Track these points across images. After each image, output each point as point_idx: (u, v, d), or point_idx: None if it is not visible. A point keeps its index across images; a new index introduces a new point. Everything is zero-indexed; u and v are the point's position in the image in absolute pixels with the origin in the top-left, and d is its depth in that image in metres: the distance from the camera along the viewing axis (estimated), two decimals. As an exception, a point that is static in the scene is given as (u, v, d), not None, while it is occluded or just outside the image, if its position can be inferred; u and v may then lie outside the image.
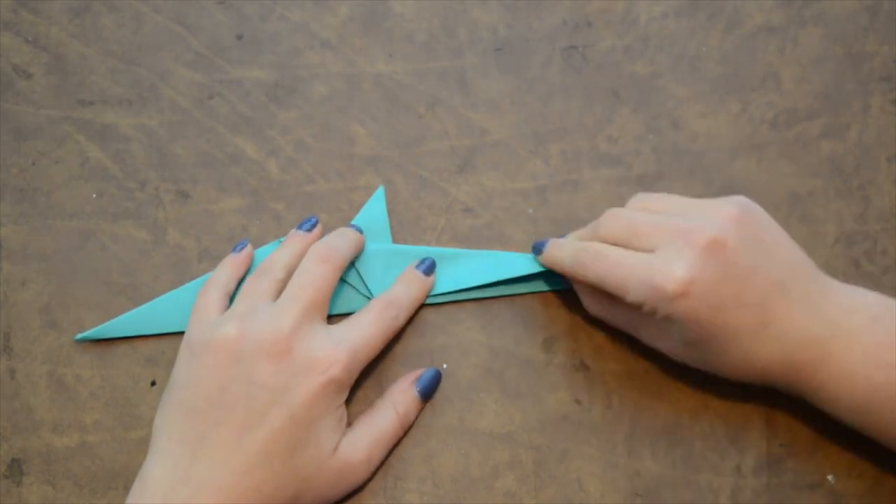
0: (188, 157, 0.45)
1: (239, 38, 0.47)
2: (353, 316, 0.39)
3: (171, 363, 0.41)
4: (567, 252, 0.39)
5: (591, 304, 0.40)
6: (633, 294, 0.36)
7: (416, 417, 0.40)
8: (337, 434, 0.37)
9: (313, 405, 0.36)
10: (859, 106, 0.47)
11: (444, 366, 0.41)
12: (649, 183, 0.45)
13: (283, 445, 0.35)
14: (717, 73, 0.47)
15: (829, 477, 0.39)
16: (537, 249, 0.41)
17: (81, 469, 0.39)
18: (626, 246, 0.38)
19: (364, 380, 0.41)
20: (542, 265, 0.41)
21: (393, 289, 0.41)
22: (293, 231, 0.42)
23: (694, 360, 0.38)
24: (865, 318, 0.36)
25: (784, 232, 0.38)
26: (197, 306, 0.39)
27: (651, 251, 0.36)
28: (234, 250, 0.42)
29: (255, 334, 0.36)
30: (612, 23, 0.48)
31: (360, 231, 0.42)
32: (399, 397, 0.39)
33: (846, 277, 0.43)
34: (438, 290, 0.42)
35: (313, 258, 0.39)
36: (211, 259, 0.43)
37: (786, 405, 0.41)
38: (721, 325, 0.36)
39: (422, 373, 0.40)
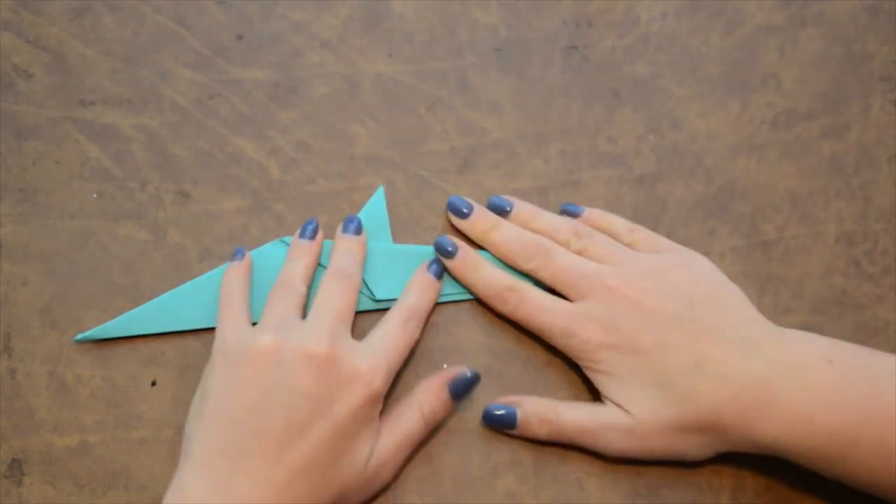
0: (188, 158, 0.45)
1: (239, 38, 0.47)
2: (378, 328, 0.39)
3: (171, 363, 0.41)
4: (490, 285, 0.41)
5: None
6: (556, 340, 0.40)
7: (445, 418, 0.40)
8: (371, 444, 0.37)
9: (356, 418, 0.36)
10: (859, 106, 0.47)
11: (445, 366, 0.41)
12: (649, 183, 0.45)
13: (324, 459, 0.35)
14: (717, 73, 0.47)
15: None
16: (448, 252, 0.42)
17: (82, 469, 0.39)
18: (552, 288, 0.40)
19: (364, 380, 0.41)
20: (450, 273, 0.42)
21: (410, 297, 0.40)
22: (297, 240, 0.42)
23: (643, 412, 0.38)
24: (818, 359, 0.36)
25: (728, 284, 0.39)
26: (224, 318, 0.39)
27: (573, 300, 0.39)
28: (234, 258, 0.42)
29: (295, 343, 0.36)
30: (612, 23, 0.48)
31: (362, 227, 0.42)
32: (425, 398, 0.39)
33: (846, 277, 0.43)
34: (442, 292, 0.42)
35: (335, 279, 0.39)
36: (211, 259, 0.43)
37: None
38: (649, 368, 0.37)
39: (457, 374, 0.39)
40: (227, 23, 0.48)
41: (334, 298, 0.38)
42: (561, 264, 0.40)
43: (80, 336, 0.41)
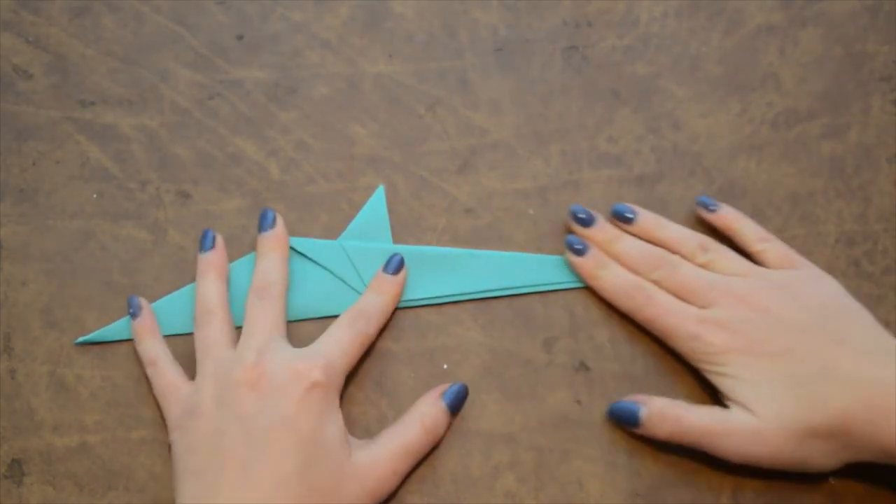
0: (188, 158, 0.45)
1: (239, 38, 0.47)
2: (324, 333, 0.39)
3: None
4: (617, 283, 0.41)
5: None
6: (677, 346, 0.40)
7: (446, 430, 0.40)
8: (343, 443, 0.37)
9: (305, 412, 0.36)
10: (859, 106, 0.47)
11: (445, 366, 0.41)
12: (649, 183, 0.45)
13: (292, 465, 0.35)
14: (717, 73, 0.47)
15: (829, 477, 0.39)
16: (577, 250, 0.42)
17: (82, 469, 0.39)
18: (677, 296, 0.40)
19: (364, 381, 0.41)
20: (575, 272, 0.42)
21: (362, 298, 0.41)
22: (200, 256, 0.42)
23: (765, 419, 0.37)
24: None
25: (858, 306, 0.39)
26: (162, 394, 0.40)
27: (702, 308, 0.39)
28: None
29: (230, 378, 0.37)
30: (612, 23, 0.48)
31: (276, 219, 0.42)
32: (426, 409, 0.39)
33: (846, 277, 0.43)
34: (440, 292, 0.42)
35: (255, 297, 0.40)
36: (211, 259, 0.43)
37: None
38: (777, 373, 0.37)
39: (449, 386, 0.40)
40: (227, 23, 0.48)
41: (258, 318, 0.39)
42: (686, 275, 0.40)
43: (79, 340, 0.41)
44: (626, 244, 0.42)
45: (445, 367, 0.41)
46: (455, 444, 0.40)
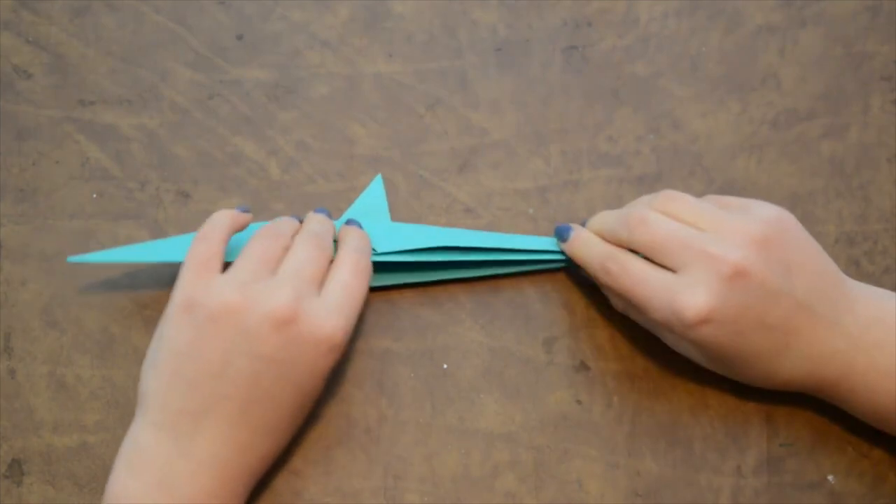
0: (188, 158, 0.45)
1: (239, 38, 0.47)
2: (333, 278, 0.38)
3: (171, 363, 0.41)
4: (594, 255, 0.40)
5: (617, 304, 0.41)
6: (655, 313, 0.37)
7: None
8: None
9: (321, 379, 0.37)
10: (859, 106, 0.47)
11: (445, 366, 0.41)
12: (649, 183, 0.45)
13: (288, 416, 0.36)
14: (717, 73, 0.47)
15: (829, 477, 0.39)
16: (561, 235, 0.42)
17: (82, 469, 0.39)
18: (650, 258, 0.38)
19: (364, 381, 0.41)
20: (565, 254, 0.42)
21: (352, 242, 0.40)
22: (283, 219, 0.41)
23: (717, 370, 0.39)
24: (889, 331, 0.36)
25: (813, 242, 0.38)
26: (191, 260, 0.37)
27: (675, 270, 0.37)
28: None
29: (261, 305, 0.35)
30: (612, 23, 0.48)
31: (330, 215, 0.42)
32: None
33: (847, 275, 0.43)
34: (441, 258, 0.41)
35: (309, 241, 0.39)
36: (211, 259, 0.43)
37: (786, 405, 0.41)
38: (740, 349, 0.37)
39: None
40: (227, 23, 0.48)
41: (305, 259, 0.38)
42: (658, 231, 0.38)
43: (72, 258, 0.41)
44: (599, 216, 0.41)
45: (445, 366, 0.41)
46: (455, 444, 0.40)
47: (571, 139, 0.46)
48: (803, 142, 0.46)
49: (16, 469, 0.39)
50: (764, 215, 0.38)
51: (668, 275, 0.37)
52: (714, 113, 0.46)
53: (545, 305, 0.42)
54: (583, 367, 0.41)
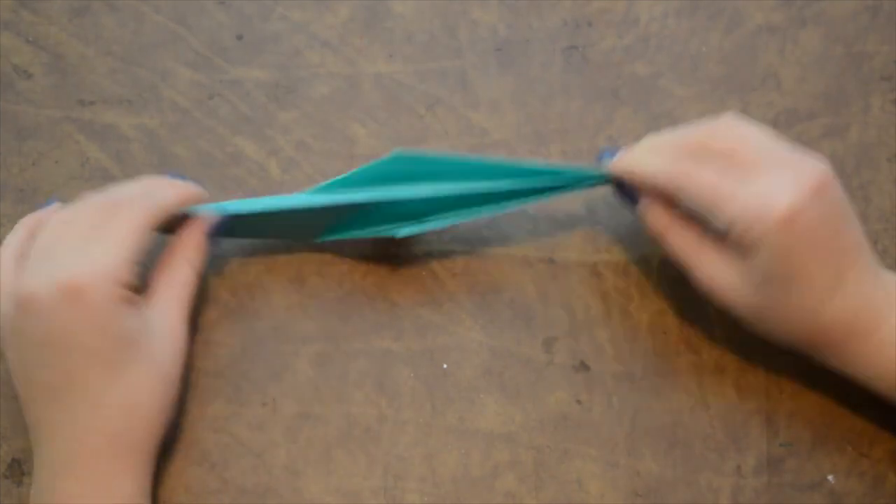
0: (188, 157, 0.45)
1: (239, 38, 0.47)
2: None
3: (171, 363, 0.41)
4: (656, 163, 0.38)
5: (655, 220, 0.39)
6: (729, 212, 0.35)
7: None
8: (136, 315, 0.36)
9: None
10: (859, 106, 0.47)
11: (444, 366, 0.41)
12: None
13: (91, 383, 0.35)
14: (717, 73, 0.47)
15: (829, 477, 0.39)
16: (609, 153, 0.40)
17: (82, 469, 0.39)
18: (728, 163, 0.36)
19: (364, 381, 0.41)
20: (612, 171, 0.40)
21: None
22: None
23: (750, 304, 0.37)
24: None
25: (847, 202, 0.37)
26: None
27: (751, 179, 0.35)
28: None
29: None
30: (612, 23, 0.48)
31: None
32: (191, 253, 0.39)
33: (846, 277, 0.43)
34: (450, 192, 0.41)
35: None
36: (212, 259, 0.43)
37: (786, 405, 0.41)
38: (806, 266, 0.35)
39: (210, 221, 0.40)
40: (227, 23, 0.48)
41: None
42: (746, 132, 0.37)
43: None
44: (650, 136, 0.39)
45: (445, 366, 0.41)
46: (455, 444, 0.40)
47: (571, 139, 0.46)
48: (803, 142, 0.46)
49: (16, 469, 0.39)
50: (806, 169, 0.36)
51: (749, 178, 0.35)
52: (714, 113, 0.46)
53: (545, 305, 0.42)
54: (583, 367, 0.41)
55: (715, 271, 0.37)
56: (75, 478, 0.34)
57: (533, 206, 0.44)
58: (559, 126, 0.46)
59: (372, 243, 0.43)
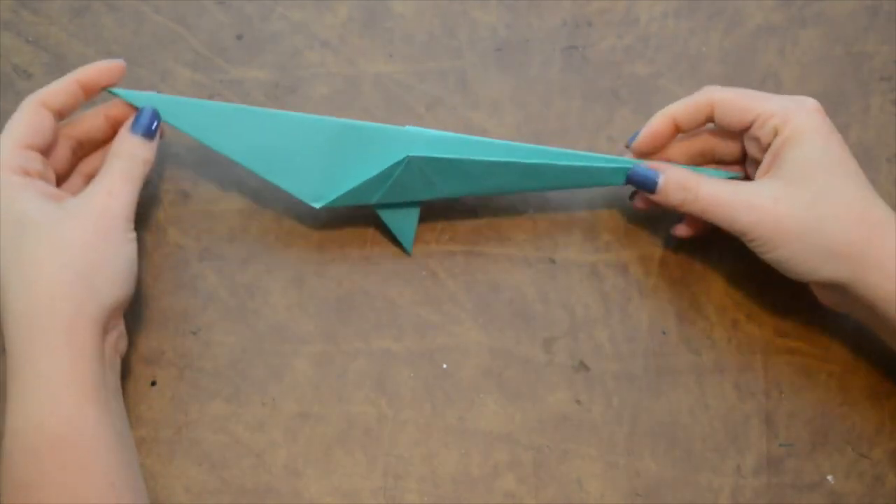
0: (188, 157, 0.45)
1: (239, 38, 0.47)
2: None
3: (171, 363, 0.41)
4: (682, 101, 0.41)
5: (682, 178, 0.40)
6: (768, 107, 0.38)
7: (153, 154, 0.40)
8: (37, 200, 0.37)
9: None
10: (859, 106, 0.47)
11: (444, 366, 0.41)
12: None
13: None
14: (717, 73, 0.47)
15: (829, 477, 0.39)
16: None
17: (82, 469, 0.39)
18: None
19: (364, 381, 0.41)
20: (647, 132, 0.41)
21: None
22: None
23: (798, 216, 0.37)
24: None
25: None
26: None
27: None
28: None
29: None
30: (612, 23, 0.48)
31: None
32: (121, 147, 0.39)
33: (846, 277, 0.43)
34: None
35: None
36: (212, 259, 0.43)
37: (786, 405, 0.41)
38: (845, 153, 0.38)
39: (137, 115, 0.40)
40: (227, 23, 0.48)
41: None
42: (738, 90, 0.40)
43: (113, 89, 0.40)
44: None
45: (445, 366, 0.41)
46: (455, 444, 0.40)
47: (571, 139, 0.46)
48: (803, 142, 0.46)
49: (16, 469, 0.39)
50: (817, 118, 0.39)
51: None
52: (714, 113, 0.46)
53: (545, 305, 0.43)
54: (583, 367, 0.41)
55: (756, 197, 0.38)
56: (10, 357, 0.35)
57: (533, 206, 0.44)
58: (559, 126, 0.46)
59: (372, 243, 0.43)
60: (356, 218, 0.44)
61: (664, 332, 0.42)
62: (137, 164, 0.39)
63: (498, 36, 0.48)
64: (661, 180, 0.40)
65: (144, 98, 0.40)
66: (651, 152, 0.42)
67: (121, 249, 0.37)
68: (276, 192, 0.44)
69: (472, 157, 0.40)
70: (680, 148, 0.42)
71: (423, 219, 0.44)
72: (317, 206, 0.41)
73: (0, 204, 0.36)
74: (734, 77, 0.47)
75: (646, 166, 0.41)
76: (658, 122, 0.41)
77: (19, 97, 0.46)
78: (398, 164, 0.40)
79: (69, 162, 0.41)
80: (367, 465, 0.40)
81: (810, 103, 0.39)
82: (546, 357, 0.42)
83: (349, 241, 0.43)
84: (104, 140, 0.41)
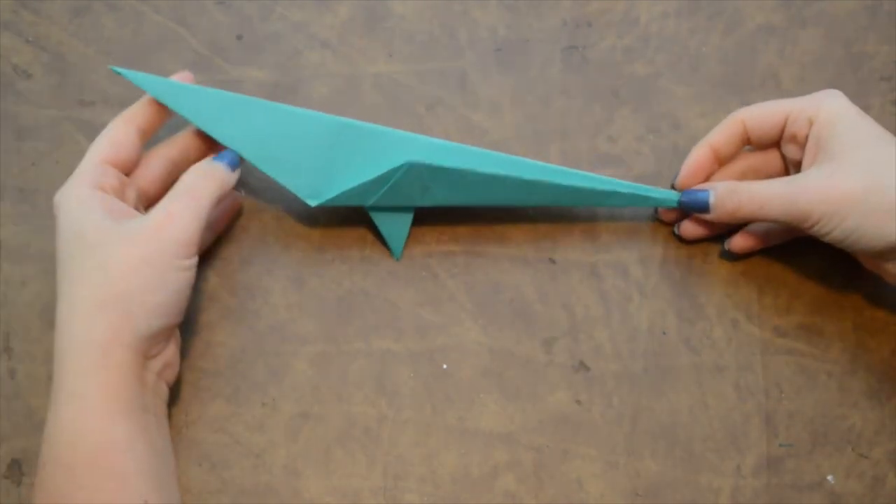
0: (188, 158, 0.45)
1: (239, 38, 0.47)
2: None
3: (171, 363, 0.41)
4: (714, 130, 0.42)
5: (738, 189, 0.40)
6: (799, 105, 0.40)
7: (230, 182, 0.39)
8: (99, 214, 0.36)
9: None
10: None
11: (444, 366, 0.41)
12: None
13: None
14: (717, 73, 0.47)
15: (829, 477, 0.39)
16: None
17: (82, 469, 0.39)
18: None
19: (364, 381, 0.41)
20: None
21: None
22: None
23: (850, 189, 0.38)
24: None
25: None
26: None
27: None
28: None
29: None
30: (612, 23, 0.48)
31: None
32: (198, 166, 0.39)
33: (846, 278, 0.43)
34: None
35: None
36: (211, 259, 0.43)
37: (786, 405, 0.41)
38: (881, 128, 0.39)
39: (225, 151, 0.40)
40: (226, 23, 0.48)
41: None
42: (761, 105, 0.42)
43: (116, 68, 0.40)
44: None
45: (445, 367, 0.41)
46: (455, 444, 0.40)
47: (571, 139, 0.46)
48: (803, 142, 0.46)
49: (16, 469, 0.39)
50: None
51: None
52: (714, 113, 0.46)
53: (545, 305, 0.43)
54: (583, 367, 0.41)
55: (809, 180, 0.38)
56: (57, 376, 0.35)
57: (533, 206, 0.44)
58: (559, 126, 0.46)
59: (372, 243, 0.43)
60: (356, 218, 0.44)
61: (664, 332, 0.42)
62: (209, 185, 0.38)
63: (498, 36, 0.48)
64: (712, 194, 0.40)
65: (149, 80, 0.40)
66: (695, 185, 0.42)
67: (168, 277, 0.35)
68: (276, 192, 0.44)
69: (472, 168, 0.40)
70: (722, 174, 0.42)
71: (423, 219, 0.44)
72: (312, 204, 0.41)
73: (66, 216, 0.36)
74: (734, 77, 0.47)
75: (693, 190, 0.41)
76: (697, 155, 0.42)
77: (19, 97, 0.46)
78: (397, 168, 0.40)
79: (162, 182, 0.40)
80: (367, 465, 0.40)
81: (833, 91, 0.40)
82: (546, 357, 0.42)
83: (349, 241, 0.43)
84: (199, 161, 0.40)
